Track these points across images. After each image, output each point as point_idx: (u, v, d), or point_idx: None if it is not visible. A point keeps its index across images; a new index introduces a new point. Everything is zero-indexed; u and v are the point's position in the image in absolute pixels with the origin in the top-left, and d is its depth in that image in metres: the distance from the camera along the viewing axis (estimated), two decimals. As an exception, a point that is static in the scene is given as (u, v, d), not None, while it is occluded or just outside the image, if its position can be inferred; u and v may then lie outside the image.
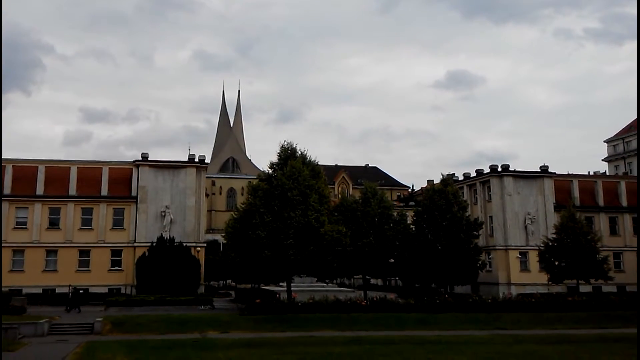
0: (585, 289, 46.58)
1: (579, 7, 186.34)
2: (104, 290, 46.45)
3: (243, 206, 41.01)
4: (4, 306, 32.84)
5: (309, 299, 37.30)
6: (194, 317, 34.75)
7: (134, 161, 51.08)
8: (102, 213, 49.16)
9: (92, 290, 46.37)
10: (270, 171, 40.14)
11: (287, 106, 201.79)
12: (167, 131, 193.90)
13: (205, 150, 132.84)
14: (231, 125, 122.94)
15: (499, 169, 55.41)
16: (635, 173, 68.87)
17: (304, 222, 36.36)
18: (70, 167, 50.06)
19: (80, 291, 41.08)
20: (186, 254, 46.84)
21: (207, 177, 64.34)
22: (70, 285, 40.13)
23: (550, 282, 46.43)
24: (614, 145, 76.82)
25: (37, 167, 49.31)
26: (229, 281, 64.56)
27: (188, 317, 34.65)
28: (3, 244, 42.08)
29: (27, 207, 48.29)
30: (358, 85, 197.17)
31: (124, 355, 23.87)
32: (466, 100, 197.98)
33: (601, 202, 56.73)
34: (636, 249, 54.75)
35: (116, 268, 48.64)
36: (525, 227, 53.56)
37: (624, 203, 56.97)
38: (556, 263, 44.31)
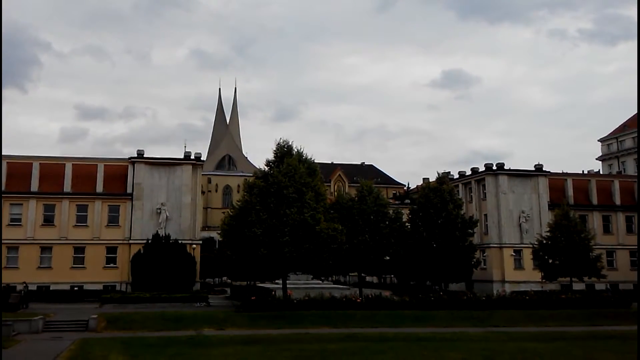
0: (578, 286, 46.92)
1: (573, 8, 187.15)
2: (99, 287, 46.42)
3: (239, 203, 41.03)
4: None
5: (305, 296, 37.40)
6: (189, 314, 34.77)
7: (130, 158, 50.94)
8: (97, 210, 49.02)
9: (87, 287, 46.37)
10: (267, 169, 40.22)
11: (284, 104, 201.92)
12: (163, 129, 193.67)
13: (201, 148, 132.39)
14: (227, 123, 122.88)
15: (494, 168, 55.62)
16: (628, 172, 69.26)
17: (299, 219, 36.41)
18: (65, 164, 49.89)
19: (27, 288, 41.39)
20: (182, 251, 46.79)
21: (203, 175, 64.27)
22: (23, 283, 40.70)
23: (544, 280, 46.72)
24: (608, 145, 77.14)
25: (32, 163, 49.11)
26: (224, 278, 64.53)
27: (183, 314, 34.68)
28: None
29: (22, 204, 48.09)
30: (355, 84, 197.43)
31: (119, 352, 23.87)
32: (462, 100, 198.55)
33: (595, 201, 57.03)
34: (629, 247, 55.17)
35: (111, 265, 48.58)
36: (520, 225, 53.83)
37: (618, 202, 57.32)
38: (550, 261, 44.54)
